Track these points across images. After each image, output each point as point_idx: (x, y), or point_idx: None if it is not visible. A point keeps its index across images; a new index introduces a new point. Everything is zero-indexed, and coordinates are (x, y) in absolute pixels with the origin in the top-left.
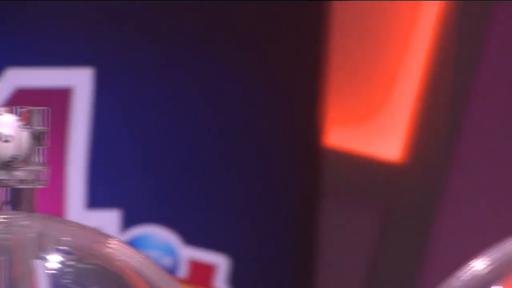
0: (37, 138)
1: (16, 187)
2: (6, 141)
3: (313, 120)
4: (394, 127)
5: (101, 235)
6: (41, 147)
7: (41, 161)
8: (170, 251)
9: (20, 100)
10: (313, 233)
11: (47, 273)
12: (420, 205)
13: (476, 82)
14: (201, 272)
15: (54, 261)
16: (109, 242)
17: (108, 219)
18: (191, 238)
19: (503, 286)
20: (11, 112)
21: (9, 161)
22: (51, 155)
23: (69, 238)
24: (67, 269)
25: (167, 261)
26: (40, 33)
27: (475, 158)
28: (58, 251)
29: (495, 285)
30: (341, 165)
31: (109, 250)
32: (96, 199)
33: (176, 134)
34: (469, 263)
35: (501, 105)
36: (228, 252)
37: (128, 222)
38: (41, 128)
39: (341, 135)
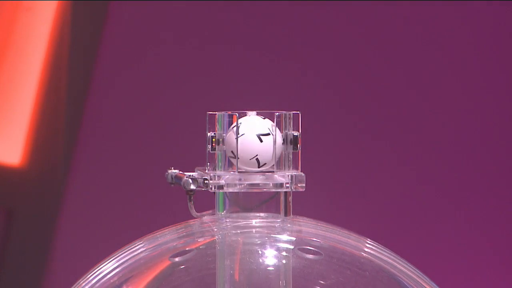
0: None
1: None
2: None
3: None
4: (13, 132)
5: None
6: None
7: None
8: None
9: None
10: None
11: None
12: (43, 208)
13: (92, 84)
14: None
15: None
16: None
17: None
18: None
19: None
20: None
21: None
22: None
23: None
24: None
25: None
26: None
27: (93, 161)
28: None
29: (122, 287)
30: None
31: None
32: None
33: None
34: (97, 264)
35: (120, 108)
36: None
37: None
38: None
39: None
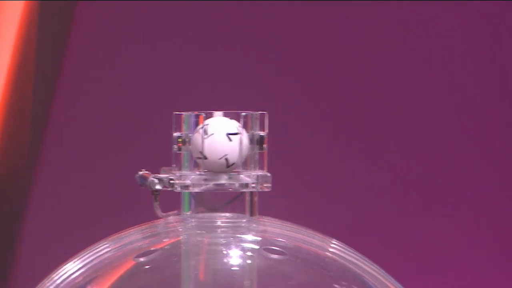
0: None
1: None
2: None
3: None
4: None
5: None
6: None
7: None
8: None
9: None
10: None
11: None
12: (8, 208)
13: (59, 84)
14: None
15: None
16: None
17: None
18: None
19: None
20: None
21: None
22: None
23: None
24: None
25: None
26: None
27: (60, 162)
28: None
29: (87, 287)
30: None
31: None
32: None
33: None
34: (62, 264)
35: (87, 108)
36: None
37: None
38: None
39: None
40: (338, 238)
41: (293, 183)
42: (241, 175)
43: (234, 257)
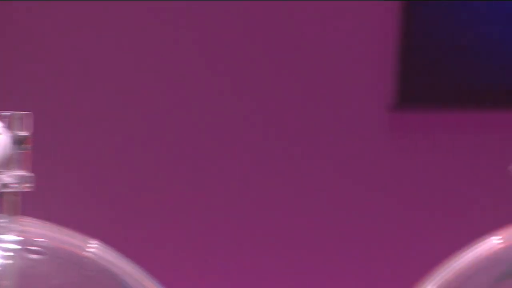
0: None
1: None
2: None
3: None
4: None
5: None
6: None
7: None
8: None
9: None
10: None
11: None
12: None
13: None
14: None
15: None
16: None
17: None
18: None
19: None
20: None
21: None
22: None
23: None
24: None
25: None
26: None
27: None
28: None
29: None
30: None
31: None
32: None
33: None
34: None
35: None
36: None
37: None
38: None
39: None
40: (101, 239)
41: (58, 183)
42: (1, 175)
43: None
